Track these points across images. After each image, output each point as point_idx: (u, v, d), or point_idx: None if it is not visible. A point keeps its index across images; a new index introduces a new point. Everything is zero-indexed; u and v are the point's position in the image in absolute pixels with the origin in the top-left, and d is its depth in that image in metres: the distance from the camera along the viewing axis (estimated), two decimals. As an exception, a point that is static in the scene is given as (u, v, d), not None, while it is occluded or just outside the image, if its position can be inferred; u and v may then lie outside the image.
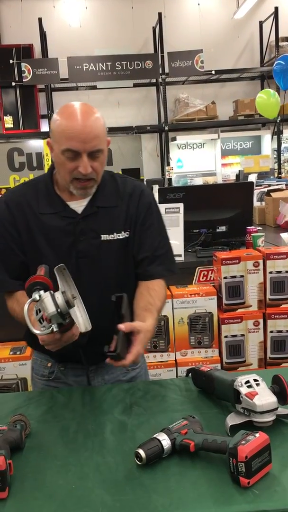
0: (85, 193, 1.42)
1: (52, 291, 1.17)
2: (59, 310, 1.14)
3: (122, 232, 1.47)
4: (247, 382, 1.17)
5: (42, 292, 1.17)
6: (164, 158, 8.62)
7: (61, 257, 1.42)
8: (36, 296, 1.17)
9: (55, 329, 1.16)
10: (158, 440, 1.05)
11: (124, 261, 1.48)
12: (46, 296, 1.15)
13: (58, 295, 1.15)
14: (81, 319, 1.23)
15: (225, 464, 0.99)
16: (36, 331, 1.18)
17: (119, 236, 1.47)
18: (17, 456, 1.10)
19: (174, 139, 8.59)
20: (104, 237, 1.45)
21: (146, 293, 1.46)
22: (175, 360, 2.60)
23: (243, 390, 1.16)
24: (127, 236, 1.48)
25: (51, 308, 1.14)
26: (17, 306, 1.43)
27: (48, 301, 1.14)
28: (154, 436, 1.06)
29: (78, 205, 1.45)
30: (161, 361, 2.59)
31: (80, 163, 1.35)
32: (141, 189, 1.53)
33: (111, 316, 1.31)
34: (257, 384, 1.17)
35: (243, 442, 0.97)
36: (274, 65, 6.24)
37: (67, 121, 1.34)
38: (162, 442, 1.05)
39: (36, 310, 1.19)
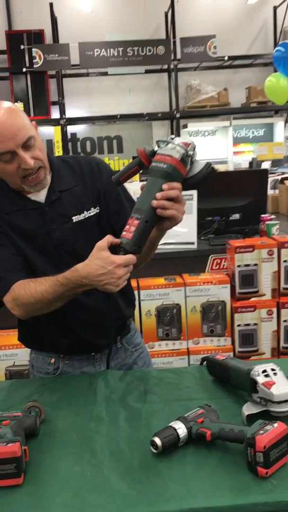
0: (41, 186, 1.39)
1: None
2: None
3: (92, 208, 1.45)
4: (264, 371, 1.16)
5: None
6: (175, 145, 8.54)
7: (40, 250, 1.41)
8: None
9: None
10: (174, 428, 1.04)
11: (101, 237, 1.40)
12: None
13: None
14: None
15: (241, 453, 0.98)
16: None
17: (90, 213, 1.45)
18: (32, 443, 1.09)
19: (185, 126, 8.51)
20: (75, 218, 1.43)
21: None
22: (187, 348, 2.59)
23: (260, 379, 1.14)
24: (97, 211, 1.46)
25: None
26: (38, 283, 1.32)
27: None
28: (170, 424, 1.05)
29: (40, 195, 1.42)
30: (173, 349, 2.58)
31: (20, 160, 1.30)
32: (96, 162, 1.51)
33: (106, 295, 1.30)
34: (274, 374, 1.15)
35: (261, 431, 0.95)
36: (274, 51, 6.09)
37: None
38: (178, 430, 1.04)
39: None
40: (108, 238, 1.22)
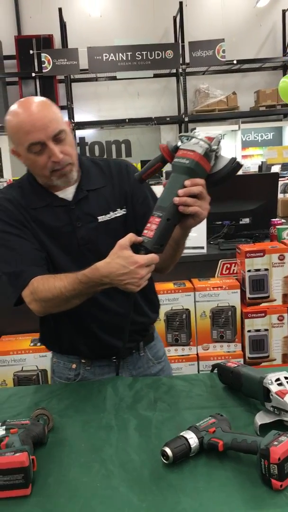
0: (68, 180, 1.38)
1: None
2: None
3: (118, 209, 1.44)
4: (278, 379, 1.13)
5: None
6: (183, 149, 8.53)
7: (64, 248, 1.40)
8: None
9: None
10: (185, 438, 1.01)
11: None
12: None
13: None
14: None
15: (255, 465, 0.95)
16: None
17: (116, 214, 1.44)
18: (40, 452, 1.07)
19: (194, 130, 8.49)
20: (101, 218, 1.42)
21: None
22: (197, 354, 2.56)
23: (273, 388, 1.11)
24: (124, 212, 1.45)
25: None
26: (57, 279, 1.30)
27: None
28: (181, 434, 1.03)
29: (67, 193, 1.42)
30: (183, 355, 2.55)
31: (49, 152, 1.30)
32: (125, 164, 1.52)
33: (127, 295, 1.28)
34: (288, 382, 1.12)
35: (276, 443, 0.92)
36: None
37: (17, 119, 1.30)
38: (190, 440, 1.01)
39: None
40: (131, 237, 1.19)
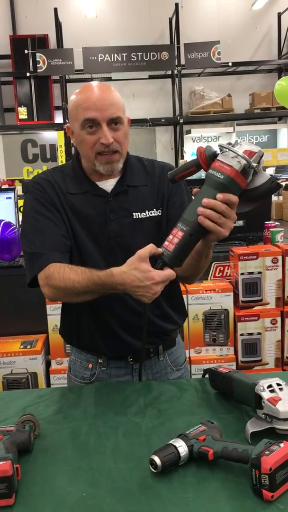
0: (112, 168, 1.38)
1: None
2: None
3: (154, 210, 1.44)
4: (270, 386, 1.10)
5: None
6: (178, 151, 8.53)
7: (94, 238, 1.40)
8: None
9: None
10: (175, 446, 0.99)
11: (157, 240, 1.35)
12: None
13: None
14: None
15: (246, 474, 0.93)
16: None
17: (151, 213, 1.44)
18: (25, 459, 1.04)
19: (188, 132, 8.48)
20: (136, 215, 1.42)
21: None
22: (189, 357, 2.54)
23: (265, 395, 1.09)
24: (159, 214, 1.45)
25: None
26: (72, 271, 1.28)
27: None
28: (170, 442, 1.00)
29: (108, 184, 1.42)
30: (175, 358, 2.52)
31: (101, 134, 1.32)
32: (169, 167, 1.52)
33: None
34: (280, 389, 1.10)
35: (267, 452, 0.90)
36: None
37: (81, 95, 1.34)
38: (179, 449, 0.99)
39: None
40: (151, 248, 1.16)
